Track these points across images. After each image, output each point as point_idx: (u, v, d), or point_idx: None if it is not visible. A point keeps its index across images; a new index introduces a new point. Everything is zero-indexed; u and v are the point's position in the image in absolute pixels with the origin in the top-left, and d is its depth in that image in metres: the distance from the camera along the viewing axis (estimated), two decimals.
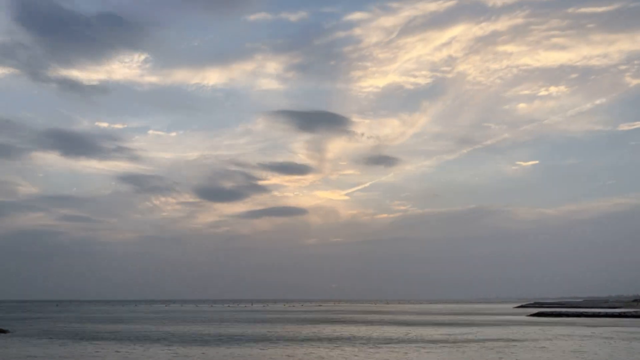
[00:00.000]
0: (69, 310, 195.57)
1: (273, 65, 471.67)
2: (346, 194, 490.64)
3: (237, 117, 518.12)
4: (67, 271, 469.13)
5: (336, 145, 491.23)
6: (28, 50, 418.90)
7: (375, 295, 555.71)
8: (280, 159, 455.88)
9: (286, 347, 55.19)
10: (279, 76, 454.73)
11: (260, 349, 53.05)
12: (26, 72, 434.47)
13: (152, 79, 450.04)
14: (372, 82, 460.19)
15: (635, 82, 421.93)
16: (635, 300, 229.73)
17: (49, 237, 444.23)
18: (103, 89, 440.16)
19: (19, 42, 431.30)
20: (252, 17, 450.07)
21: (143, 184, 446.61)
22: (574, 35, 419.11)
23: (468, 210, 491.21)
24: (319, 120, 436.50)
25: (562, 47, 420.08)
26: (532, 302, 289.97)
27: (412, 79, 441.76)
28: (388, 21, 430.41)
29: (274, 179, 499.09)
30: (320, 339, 63.70)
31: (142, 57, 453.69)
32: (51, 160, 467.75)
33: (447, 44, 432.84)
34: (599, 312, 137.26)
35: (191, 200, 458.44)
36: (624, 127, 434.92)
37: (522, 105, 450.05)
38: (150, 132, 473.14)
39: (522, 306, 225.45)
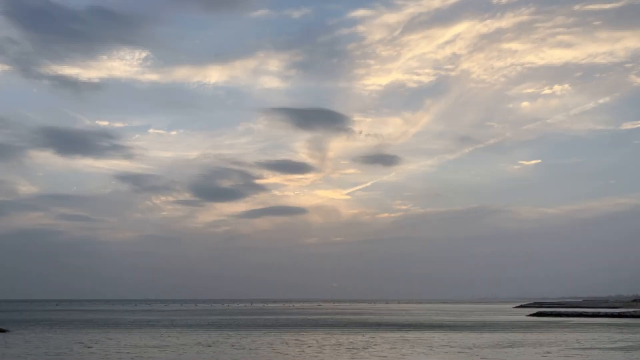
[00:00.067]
0: (69, 310, 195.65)
1: (275, 63, 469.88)
2: (347, 193, 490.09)
3: (238, 116, 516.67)
4: (67, 271, 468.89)
5: (337, 144, 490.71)
6: (17, 45, 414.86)
7: (376, 295, 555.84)
8: (281, 158, 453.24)
9: None
10: (280, 74, 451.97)
11: None
12: (17, 69, 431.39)
13: (153, 76, 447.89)
14: (375, 80, 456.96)
15: (639, 80, 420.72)
16: (635, 300, 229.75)
17: (48, 237, 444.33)
18: (102, 86, 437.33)
19: (7, 36, 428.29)
20: (255, 14, 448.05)
21: (143, 183, 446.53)
22: (580, 32, 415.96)
23: (469, 209, 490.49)
24: (320, 119, 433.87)
25: (568, 45, 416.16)
26: (532, 302, 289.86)
27: (415, 77, 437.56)
28: (391, 18, 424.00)
29: (274, 178, 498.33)
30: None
31: (143, 54, 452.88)
32: (50, 159, 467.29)
33: (451, 41, 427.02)
34: (599, 312, 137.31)
35: (191, 199, 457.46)
36: (627, 125, 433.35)
37: (525, 104, 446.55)
38: (151, 130, 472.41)
39: (521, 306, 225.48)
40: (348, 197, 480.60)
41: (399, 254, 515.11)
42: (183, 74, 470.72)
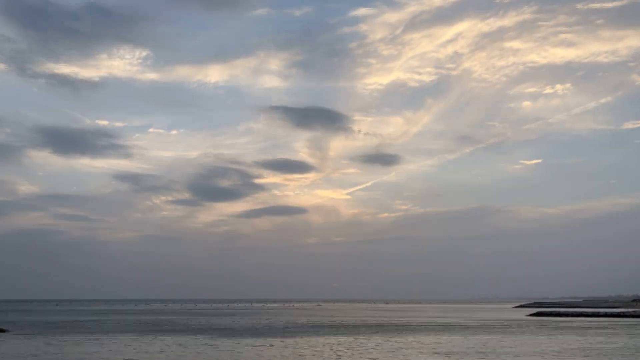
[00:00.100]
0: (68, 310, 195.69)
1: (275, 62, 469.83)
2: (347, 193, 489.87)
3: (238, 115, 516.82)
4: (67, 271, 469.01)
5: (338, 144, 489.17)
6: (13, 43, 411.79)
7: (376, 295, 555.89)
8: (281, 157, 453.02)
9: None
10: (281, 73, 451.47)
11: None
12: (15, 67, 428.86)
13: (153, 75, 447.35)
14: (376, 79, 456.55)
15: None
16: (634, 300, 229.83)
17: (48, 237, 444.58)
18: (102, 85, 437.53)
19: (3, 34, 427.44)
20: (255, 13, 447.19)
21: (143, 183, 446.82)
22: (582, 31, 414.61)
23: (470, 209, 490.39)
24: (320, 118, 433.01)
25: (570, 44, 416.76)
26: (531, 302, 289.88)
27: (416, 76, 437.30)
28: (393, 17, 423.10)
29: (274, 178, 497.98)
30: None
31: (144, 53, 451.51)
32: (50, 159, 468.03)
33: (453, 40, 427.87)
34: (599, 312, 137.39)
35: (191, 199, 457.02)
36: (629, 125, 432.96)
37: (527, 103, 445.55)
38: (151, 130, 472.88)
39: (521, 306, 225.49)
40: (348, 197, 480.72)
41: (399, 254, 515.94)
42: (183, 73, 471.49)
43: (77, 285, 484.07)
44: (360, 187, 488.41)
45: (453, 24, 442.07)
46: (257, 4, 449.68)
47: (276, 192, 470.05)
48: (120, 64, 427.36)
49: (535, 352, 49.01)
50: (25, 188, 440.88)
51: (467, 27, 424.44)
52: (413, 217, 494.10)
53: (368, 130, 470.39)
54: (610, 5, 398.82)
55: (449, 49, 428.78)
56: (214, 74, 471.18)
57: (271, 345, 56.61)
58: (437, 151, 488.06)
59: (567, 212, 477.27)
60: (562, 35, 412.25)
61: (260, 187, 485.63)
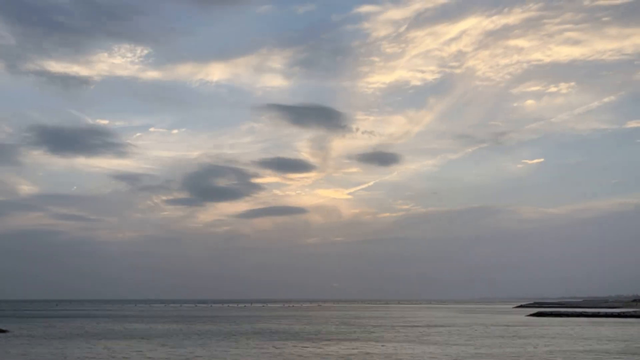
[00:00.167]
0: (68, 310, 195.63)
1: (278, 60, 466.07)
2: (349, 193, 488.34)
3: (240, 114, 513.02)
4: (67, 271, 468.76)
5: (340, 143, 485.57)
6: (12, 42, 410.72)
7: (377, 295, 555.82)
8: (282, 156, 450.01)
9: None
10: (283, 71, 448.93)
11: None
12: (12, 66, 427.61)
13: (154, 74, 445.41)
14: (379, 78, 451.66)
15: None
16: (634, 300, 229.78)
17: (48, 237, 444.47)
18: (102, 84, 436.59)
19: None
20: (258, 10, 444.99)
21: (143, 183, 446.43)
22: (588, 28, 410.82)
23: (471, 209, 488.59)
24: (322, 117, 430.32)
25: (576, 42, 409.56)
26: (532, 302, 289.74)
27: (419, 75, 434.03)
28: (397, 14, 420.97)
29: (275, 178, 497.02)
30: None
31: (145, 51, 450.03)
32: (50, 158, 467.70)
33: (457, 38, 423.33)
34: (599, 312, 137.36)
35: (192, 199, 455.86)
36: (632, 124, 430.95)
37: (530, 102, 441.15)
38: (152, 129, 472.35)
39: (521, 306, 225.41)
40: (349, 196, 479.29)
41: (399, 254, 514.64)
42: (185, 72, 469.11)
43: (77, 285, 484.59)
44: (362, 186, 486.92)
45: (457, 22, 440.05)
46: (260, 1, 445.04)
47: (277, 191, 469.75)
48: (121, 62, 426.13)
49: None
50: (25, 188, 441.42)
51: (472, 25, 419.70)
52: (414, 217, 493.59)
53: (370, 129, 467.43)
54: (617, 2, 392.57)
55: (453, 47, 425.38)
56: (216, 73, 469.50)
57: None
58: (439, 151, 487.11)
59: (568, 212, 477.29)
60: (568, 33, 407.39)
61: (261, 187, 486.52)
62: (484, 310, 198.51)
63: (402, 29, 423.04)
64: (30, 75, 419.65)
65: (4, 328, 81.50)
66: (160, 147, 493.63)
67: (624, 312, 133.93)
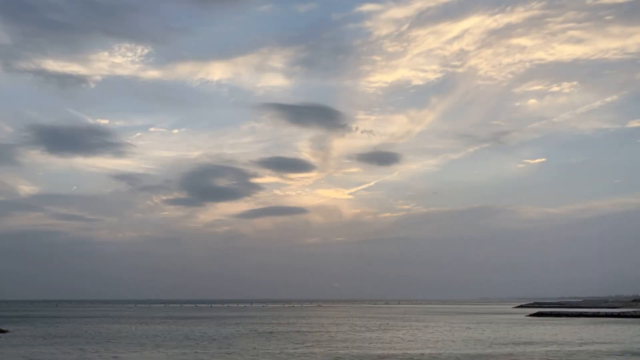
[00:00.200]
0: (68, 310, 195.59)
1: (279, 59, 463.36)
2: (350, 193, 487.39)
3: (241, 114, 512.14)
4: (67, 271, 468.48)
5: (341, 143, 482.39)
6: (7, 40, 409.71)
7: (377, 295, 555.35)
8: (283, 156, 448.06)
9: None
10: (284, 71, 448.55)
11: None
12: (1, 63, 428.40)
13: (155, 73, 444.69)
14: (380, 77, 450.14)
15: None
16: (634, 300, 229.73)
17: (48, 237, 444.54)
18: (103, 84, 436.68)
19: None
20: (259, 9, 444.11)
21: (143, 183, 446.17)
22: (591, 27, 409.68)
23: (472, 209, 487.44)
24: (323, 117, 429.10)
25: (578, 40, 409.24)
26: (532, 302, 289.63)
27: (421, 74, 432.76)
28: (399, 12, 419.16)
29: (276, 178, 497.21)
30: None
31: (146, 50, 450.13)
32: (50, 158, 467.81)
33: (459, 36, 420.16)
34: (599, 312, 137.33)
35: (192, 199, 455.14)
36: (634, 124, 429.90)
37: (532, 101, 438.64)
38: (152, 129, 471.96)
39: (521, 306, 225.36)
40: (350, 196, 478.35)
41: (400, 254, 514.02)
42: (185, 71, 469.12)
43: (77, 285, 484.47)
44: (363, 186, 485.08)
45: (460, 20, 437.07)
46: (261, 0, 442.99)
47: (277, 191, 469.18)
48: (121, 61, 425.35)
49: None
50: (25, 188, 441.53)
51: (474, 24, 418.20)
52: (415, 217, 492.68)
53: (371, 129, 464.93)
54: (621, 0, 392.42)
55: (455, 46, 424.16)
56: (217, 72, 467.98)
57: None
58: (441, 150, 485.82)
59: (569, 212, 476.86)
60: (571, 32, 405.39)
61: (262, 187, 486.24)
62: (477, 311, 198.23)
63: (404, 27, 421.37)
64: (29, 74, 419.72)
65: (3, 328, 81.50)
66: (160, 147, 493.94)
67: (624, 312, 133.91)
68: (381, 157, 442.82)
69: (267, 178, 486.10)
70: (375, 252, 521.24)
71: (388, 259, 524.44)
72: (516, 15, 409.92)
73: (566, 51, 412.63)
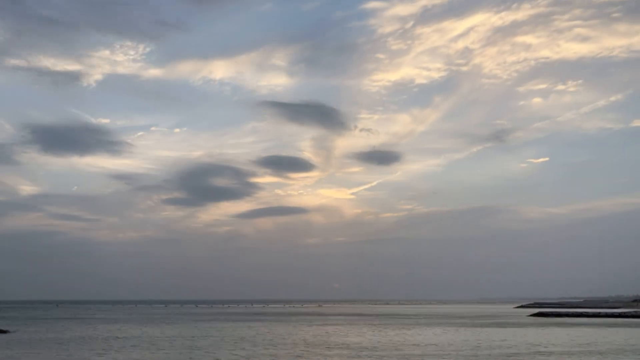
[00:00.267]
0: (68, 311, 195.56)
1: (282, 58, 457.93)
2: (352, 193, 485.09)
3: (242, 113, 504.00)
4: (68, 272, 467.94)
5: (343, 142, 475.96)
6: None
7: (378, 296, 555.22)
8: (285, 156, 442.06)
9: None
10: (287, 69, 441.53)
11: None
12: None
13: (156, 72, 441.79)
14: (384, 75, 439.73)
15: None
16: (635, 301, 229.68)
17: (48, 237, 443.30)
18: (103, 82, 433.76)
19: None
20: (262, 7, 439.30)
21: (144, 183, 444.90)
22: (598, 25, 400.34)
23: (473, 209, 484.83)
24: (326, 116, 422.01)
25: (585, 38, 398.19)
26: (532, 302, 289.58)
27: (425, 72, 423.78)
28: (404, 10, 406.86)
29: (277, 177, 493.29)
30: None
31: (147, 49, 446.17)
32: (50, 158, 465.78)
33: (464, 34, 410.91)
34: (599, 313, 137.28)
35: (193, 199, 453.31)
36: (638, 123, 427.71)
37: (537, 100, 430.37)
38: (153, 129, 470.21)
39: (522, 306, 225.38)
40: (352, 196, 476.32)
41: (401, 254, 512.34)
42: (187, 70, 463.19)
43: (77, 286, 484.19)
44: (365, 186, 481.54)
45: (465, 18, 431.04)
46: None
47: (279, 191, 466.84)
48: (122, 60, 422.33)
49: None
50: (25, 188, 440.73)
51: (480, 21, 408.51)
52: (416, 217, 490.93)
53: (374, 128, 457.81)
54: None
55: (460, 44, 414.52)
56: (219, 71, 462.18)
57: None
58: (444, 150, 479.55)
59: (570, 212, 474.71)
60: (577, 30, 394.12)
61: (263, 187, 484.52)
62: (481, 313, 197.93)
63: (409, 25, 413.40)
64: (27, 72, 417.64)
65: (4, 329, 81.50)
66: (161, 147, 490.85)
67: (624, 313, 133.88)
68: (383, 157, 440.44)
69: (268, 178, 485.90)
70: (376, 252, 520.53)
71: (389, 259, 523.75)
72: (522, 13, 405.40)
73: (572, 49, 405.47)
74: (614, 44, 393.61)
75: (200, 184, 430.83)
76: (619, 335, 70.84)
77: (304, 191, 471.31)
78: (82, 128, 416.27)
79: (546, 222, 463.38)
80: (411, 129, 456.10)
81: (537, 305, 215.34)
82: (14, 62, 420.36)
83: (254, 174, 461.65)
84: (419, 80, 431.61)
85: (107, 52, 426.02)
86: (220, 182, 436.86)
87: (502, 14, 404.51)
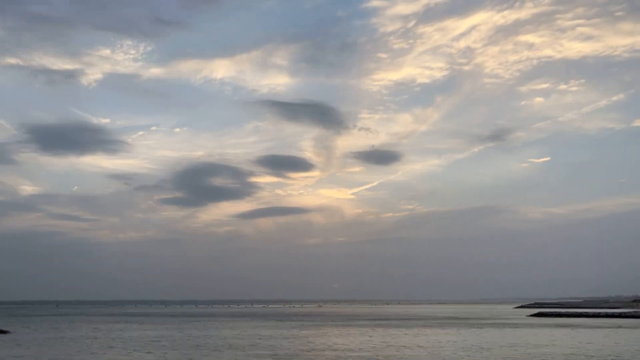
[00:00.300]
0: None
1: (283, 57, 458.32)
2: (352, 193, 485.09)
3: (244, 112, 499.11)
4: (68, 272, 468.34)
5: (344, 142, 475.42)
6: None
7: (378, 296, 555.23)
8: (285, 156, 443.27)
9: None
10: (288, 68, 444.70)
11: None
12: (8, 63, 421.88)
13: (157, 71, 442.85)
14: (385, 75, 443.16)
15: None
16: (635, 301, 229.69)
17: (48, 237, 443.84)
18: (104, 82, 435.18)
19: None
20: (264, 5, 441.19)
21: (144, 183, 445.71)
22: (601, 23, 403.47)
23: (474, 209, 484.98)
24: (327, 116, 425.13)
25: (588, 37, 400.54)
26: (532, 302, 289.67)
27: (427, 72, 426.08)
28: (406, 8, 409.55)
29: (278, 177, 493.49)
30: None
31: (149, 48, 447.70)
32: (51, 158, 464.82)
33: (466, 33, 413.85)
34: (599, 313, 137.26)
35: (193, 199, 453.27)
36: (639, 122, 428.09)
37: (538, 100, 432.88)
38: (154, 128, 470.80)
39: (521, 306, 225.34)
40: (353, 196, 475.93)
41: (401, 254, 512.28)
42: (188, 69, 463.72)
43: (77, 286, 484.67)
44: (366, 186, 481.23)
45: (468, 16, 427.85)
46: None
47: (279, 191, 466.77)
48: (123, 59, 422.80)
49: None
50: (26, 188, 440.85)
51: (482, 20, 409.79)
52: (417, 217, 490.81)
53: (375, 128, 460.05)
54: None
55: (462, 43, 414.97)
56: (220, 70, 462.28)
57: None
58: (445, 150, 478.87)
59: (570, 212, 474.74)
60: (580, 29, 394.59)
61: (264, 187, 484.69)
62: (483, 314, 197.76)
63: (411, 24, 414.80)
64: (28, 71, 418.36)
65: (4, 329, 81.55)
66: (161, 147, 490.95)
67: (624, 313, 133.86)
68: (384, 157, 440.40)
69: (268, 178, 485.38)
70: (376, 252, 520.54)
71: (390, 259, 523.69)
72: (525, 12, 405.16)
73: (575, 48, 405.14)
74: (617, 43, 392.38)
75: (200, 184, 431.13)
76: (618, 335, 70.85)
77: (304, 191, 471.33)
78: (83, 128, 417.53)
79: (546, 222, 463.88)
80: (412, 129, 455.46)
81: (537, 306, 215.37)
82: (14, 61, 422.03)
83: (254, 174, 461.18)
84: (420, 80, 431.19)
85: (107, 51, 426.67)
86: (221, 182, 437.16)
87: (505, 12, 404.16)
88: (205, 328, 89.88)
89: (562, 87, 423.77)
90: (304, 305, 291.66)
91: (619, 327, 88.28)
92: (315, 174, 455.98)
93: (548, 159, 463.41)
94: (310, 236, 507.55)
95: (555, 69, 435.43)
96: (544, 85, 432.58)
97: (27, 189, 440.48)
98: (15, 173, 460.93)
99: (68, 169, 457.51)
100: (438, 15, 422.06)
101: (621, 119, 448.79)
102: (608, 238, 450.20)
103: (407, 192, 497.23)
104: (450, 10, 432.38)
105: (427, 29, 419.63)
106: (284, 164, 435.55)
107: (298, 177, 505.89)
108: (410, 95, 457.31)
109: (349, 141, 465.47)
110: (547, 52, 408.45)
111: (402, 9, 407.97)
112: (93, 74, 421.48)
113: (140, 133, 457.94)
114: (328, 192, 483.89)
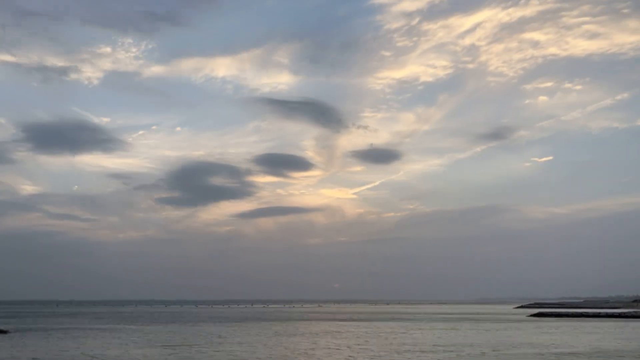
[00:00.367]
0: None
1: (285, 55, 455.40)
2: (354, 193, 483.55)
3: (245, 111, 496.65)
4: (68, 271, 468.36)
5: (345, 142, 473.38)
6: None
7: (378, 296, 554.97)
8: (287, 155, 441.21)
9: None
10: (290, 67, 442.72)
11: None
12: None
13: (158, 69, 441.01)
14: (389, 73, 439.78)
15: None
16: (635, 301, 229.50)
17: (47, 237, 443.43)
18: (104, 81, 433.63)
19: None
20: (265, 3, 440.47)
21: (144, 182, 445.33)
22: (607, 21, 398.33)
23: (476, 209, 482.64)
24: (328, 115, 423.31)
25: (593, 35, 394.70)
26: (532, 302, 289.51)
27: (431, 70, 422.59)
28: (411, 5, 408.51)
29: (279, 177, 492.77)
30: None
31: (150, 46, 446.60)
32: (51, 158, 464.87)
33: (471, 31, 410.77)
34: (599, 313, 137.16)
35: (194, 198, 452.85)
36: None
37: (542, 99, 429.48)
38: (154, 127, 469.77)
39: (522, 306, 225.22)
40: (354, 196, 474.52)
41: (403, 254, 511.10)
42: (189, 67, 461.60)
43: (77, 286, 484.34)
44: (368, 186, 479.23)
45: (472, 14, 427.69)
46: None
47: (280, 191, 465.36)
48: (124, 57, 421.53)
49: None
50: (26, 187, 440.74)
51: (487, 17, 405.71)
52: (419, 217, 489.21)
53: (377, 127, 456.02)
54: None
55: (467, 41, 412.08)
56: (221, 68, 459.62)
57: None
58: (448, 149, 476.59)
59: (572, 212, 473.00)
60: (586, 26, 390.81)
61: (264, 186, 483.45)
62: (485, 315, 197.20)
63: (415, 21, 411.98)
64: (28, 70, 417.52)
65: (3, 328, 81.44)
66: (162, 146, 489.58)
67: (624, 313, 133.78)
68: (386, 156, 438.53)
69: (269, 177, 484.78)
70: (378, 252, 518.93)
71: (391, 259, 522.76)
72: (530, 9, 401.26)
73: (580, 46, 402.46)
74: (623, 41, 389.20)
75: (201, 183, 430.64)
76: (618, 335, 70.75)
77: (305, 191, 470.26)
78: (83, 126, 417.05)
79: (548, 222, 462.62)
80: (415, 128, 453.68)
81: (537, 306, 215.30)
82: (14, 58, 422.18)
83: (255, 173, 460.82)
84: (424, 78, 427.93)
85: (108, 49, 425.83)
86: (221, 181, 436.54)
87: (510, 9, 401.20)
88: (202, 333, 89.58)
89: (567, 85, 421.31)
90: (303, 306, 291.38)
91: (620, 327, 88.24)
92: (316, 173, 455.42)
93: (551, 158, 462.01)
94: (311, 236, 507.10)
95: (560, 67, 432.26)
96: (549, 84, 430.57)
97: (27, 188, 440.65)
98: (14, 172, 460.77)
99: (68, 168, 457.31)
100: (443, 13, 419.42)
101: (625, 118, 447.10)
102: (610, 238, 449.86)
103: (409, 191, 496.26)
104: (455, 8, 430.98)
105: (431, 26, 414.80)
106: (285, 163, 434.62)
107: (299, 177, 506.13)
108: (414, 94, 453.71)
109: (351, 140, 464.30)
110: (552, 50, 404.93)
111: (407, 5, 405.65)
112: (93, 72, 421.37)
113: (141, 132, 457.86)
114: (329, 191, 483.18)
